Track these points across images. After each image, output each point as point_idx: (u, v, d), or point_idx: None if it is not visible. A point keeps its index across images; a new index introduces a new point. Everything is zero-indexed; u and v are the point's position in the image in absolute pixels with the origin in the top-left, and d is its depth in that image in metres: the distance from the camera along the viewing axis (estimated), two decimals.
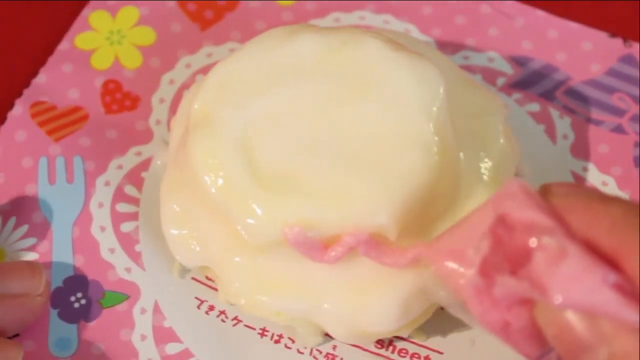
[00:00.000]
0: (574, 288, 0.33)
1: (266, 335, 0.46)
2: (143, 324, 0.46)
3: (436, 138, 0.42)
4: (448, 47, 0.53)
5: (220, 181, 0.42)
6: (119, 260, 0.47)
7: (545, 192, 0.36)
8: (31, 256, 0.47)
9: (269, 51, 0.44)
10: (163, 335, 0.46)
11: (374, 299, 0.43)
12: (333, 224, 0.41)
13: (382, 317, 0.43)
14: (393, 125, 0.42)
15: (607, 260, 0.33)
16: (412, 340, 0.46)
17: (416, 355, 0.46)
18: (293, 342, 0.46)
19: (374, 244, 0.41)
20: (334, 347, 0.46)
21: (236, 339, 0.46)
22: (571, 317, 0.33)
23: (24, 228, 0.48)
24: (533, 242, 0.34)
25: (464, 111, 0.45)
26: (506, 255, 0.35)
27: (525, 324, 0.35)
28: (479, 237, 0.36)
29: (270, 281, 0.43)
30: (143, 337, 0.46)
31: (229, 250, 0.44)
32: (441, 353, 0.46)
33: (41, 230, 0.48)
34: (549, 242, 0.34)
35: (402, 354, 0.46)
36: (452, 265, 0.36)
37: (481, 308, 0.36)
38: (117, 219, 0.48)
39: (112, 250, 0.48)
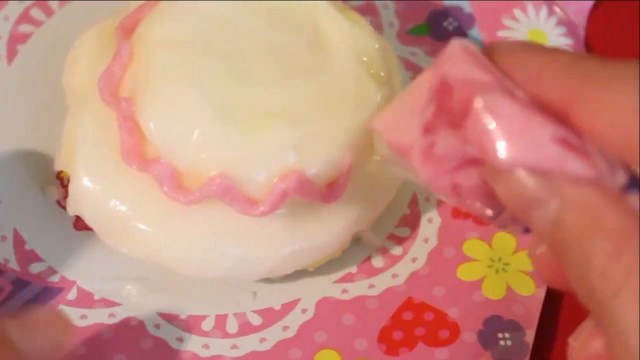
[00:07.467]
0: (517, 146, 0.32)
1: None
2: None
3: None
4: None
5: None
6: None
7: (489, 50, 0.34)
8: None
9: None
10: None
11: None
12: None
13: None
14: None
15: (555, 113, 0.32)
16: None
17: None
18: None
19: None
20: None
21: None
22: (519, 173, 0.32)
23: None
24: (477, 101, 0.33)
25: None
26: (450, 119, 0.34)
27: (475, 183, 0.35)
28: (422, 105, 0.34)
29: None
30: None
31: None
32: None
33: None
34: (491, 100, 0.33)
35: None
36: (398, 135, 0.35)
37: (430, 172, 0.35)
38: None
39: None
